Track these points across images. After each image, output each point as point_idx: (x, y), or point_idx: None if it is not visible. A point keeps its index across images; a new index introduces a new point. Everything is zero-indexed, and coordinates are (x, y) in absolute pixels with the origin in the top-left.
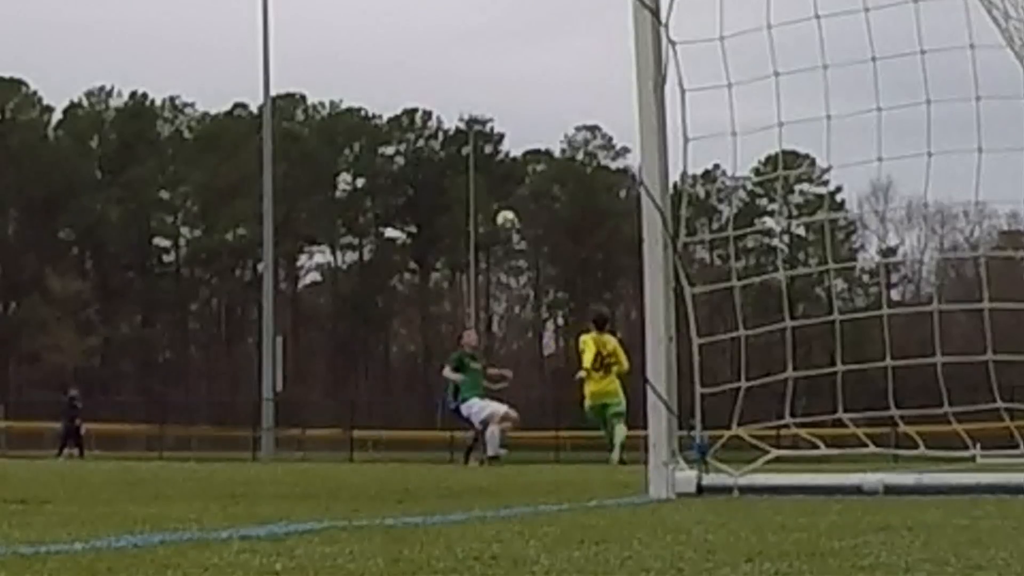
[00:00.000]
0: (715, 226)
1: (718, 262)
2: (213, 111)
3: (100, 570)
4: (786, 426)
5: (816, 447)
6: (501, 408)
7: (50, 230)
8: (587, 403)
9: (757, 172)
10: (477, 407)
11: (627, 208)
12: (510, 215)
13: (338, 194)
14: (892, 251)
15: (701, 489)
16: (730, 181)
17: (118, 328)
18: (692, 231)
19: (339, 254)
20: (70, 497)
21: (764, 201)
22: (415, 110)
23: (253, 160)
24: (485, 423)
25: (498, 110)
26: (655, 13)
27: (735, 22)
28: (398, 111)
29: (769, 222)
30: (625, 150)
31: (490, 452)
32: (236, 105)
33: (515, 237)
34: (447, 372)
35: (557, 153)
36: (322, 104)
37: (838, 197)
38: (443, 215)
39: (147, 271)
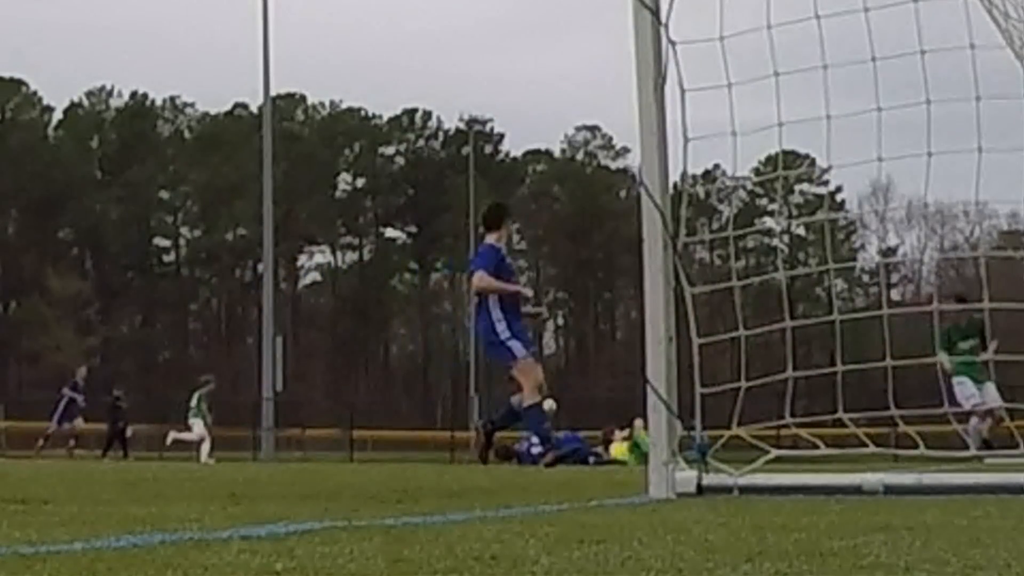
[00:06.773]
0: (715, 226)
1: (718, 262)
2: (213, 111)
3: (100, 570)
4: (786, 426)
5: (816, 447)
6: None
7: (50, 230)
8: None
9: (757, 172)
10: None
11: (627, 208)
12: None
13: (338, 194)
14: (892, 251)
15: (701, 489)
16: (730, 181)
17: (118, 328)
18: (692, 231)
19: (339, 254)
20: (70, 497)
21: (764, 201)
22: (415, 110)
23: (253, 160)
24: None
25: (498, 110)
26: (655, 13)
27: (735, 22)
28: (398, 111)
29: (769, 222)
30: (625, 150)
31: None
32: (236, 105)
33: (515, 237)
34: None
35: (557, 153)
36: (322, 104)
37: (838, 197)
38: (443, 215)
39: (147, 271)
